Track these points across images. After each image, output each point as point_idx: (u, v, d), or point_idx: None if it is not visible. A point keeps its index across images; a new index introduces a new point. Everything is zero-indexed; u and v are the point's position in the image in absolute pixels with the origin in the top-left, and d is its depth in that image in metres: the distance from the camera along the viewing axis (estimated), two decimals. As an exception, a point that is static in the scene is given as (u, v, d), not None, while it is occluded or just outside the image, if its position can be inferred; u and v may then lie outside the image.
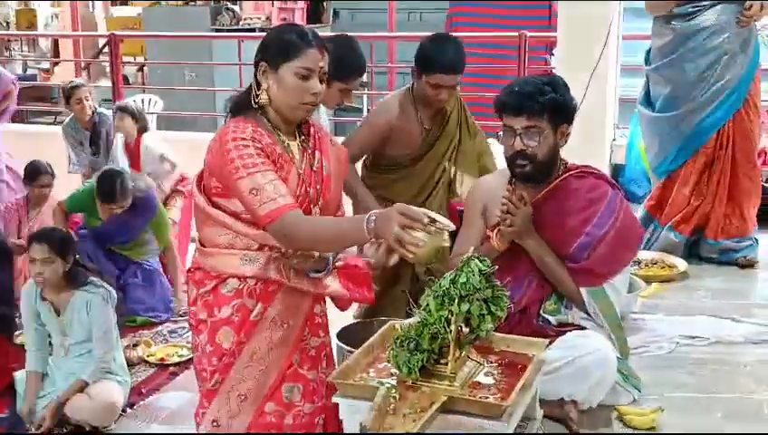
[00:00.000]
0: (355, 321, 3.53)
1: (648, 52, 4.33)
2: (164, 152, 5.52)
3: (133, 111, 5.52)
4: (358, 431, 2.12)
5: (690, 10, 4.05)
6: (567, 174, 2.82)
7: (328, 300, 2.58)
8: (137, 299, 4.87)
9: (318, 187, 2.42)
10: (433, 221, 2.04)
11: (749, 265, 4.22)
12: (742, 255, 4.24)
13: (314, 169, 2.43)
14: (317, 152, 2.46)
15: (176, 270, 5.10)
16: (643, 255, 4.08)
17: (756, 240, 4.30)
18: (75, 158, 5.78)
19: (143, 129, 5.56)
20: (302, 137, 2.45)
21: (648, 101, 4.34)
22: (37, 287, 3.71)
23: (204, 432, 2.55)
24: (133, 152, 5.53)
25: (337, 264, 2.45)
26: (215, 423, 2.46)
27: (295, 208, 2.24)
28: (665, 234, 4.27)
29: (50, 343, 3.84)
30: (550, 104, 2.69)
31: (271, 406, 2.44)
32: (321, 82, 2.35)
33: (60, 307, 3.71)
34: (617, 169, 5.49)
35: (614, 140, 5.58)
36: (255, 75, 2.38)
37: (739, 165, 4.15)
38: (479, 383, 2.18)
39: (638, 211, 4.44)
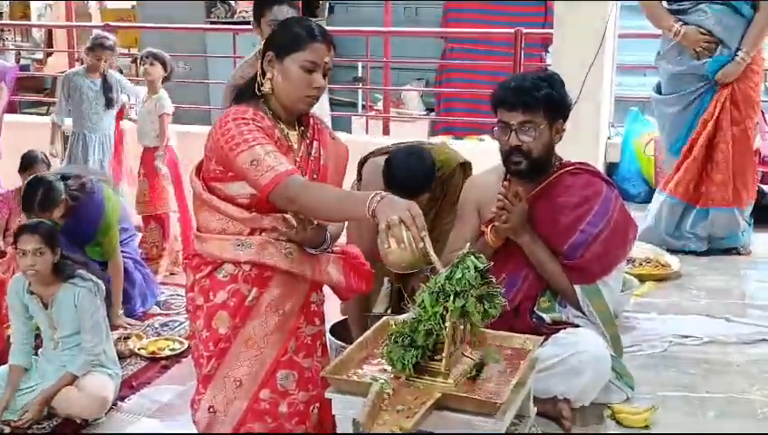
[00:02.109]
0: (347, 317, 3.52)
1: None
2: (169, 114, 5.54)
3: (164, 59, 5.54)
4: (351, 427, 2.12)
5: (676, 8, 4.26)
6: (562, 170, 2.81)
7: (326, 290, 2.59)
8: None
9: (315, 175, 2.47)
10: (423, 244, 2.03)
11: (747, 253, 4.38)
12: (738, 244, 4.36)
13: (312, 157, 2.49)
14: (315, 142, 2.51)
15: (118, 284, 4.63)
16: (636, 253, 4.08)
17: (750, 224, 4.41)
18: (62, 107, 5.75)
19: (167, 79, 5.61)
20: (302, 127, 2.50)
21: (658, 89, 4.49)
22: (24, 281, 3.68)
23: (194, 433, 2.57)
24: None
25: (334, 249, 2.50)
26: (211, 410, 2.48)
27: (296, 173, 2.27)
28: (657, 196, 4.40)
29: (39, 336, 3.82)
30: (545, 100, 2.68)
31: (266, 393, 2.47)
32: (324, 76, 2.39)
33: (47, 300, 3.67)
34: (611, 168, 5.49)
35: (609, 138, 5.58)
36: (261, 64, 2.41)
37: (725, 135, 4.24)
38: (473, 380, 2.17)
39: (660, 196, 4.54)
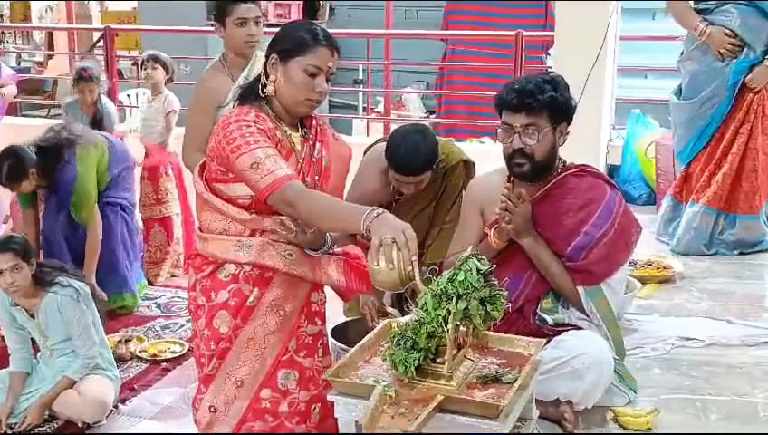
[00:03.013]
0: (350, 318, 3.52)
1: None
2: (177, 111, 5.52)
3: (165, 62, 5.50)
4: (353, 430, 2.11)
5: (702, 7, 4.24)
6: (565, 172, 2.81)
7: (328, 290, 2.59)
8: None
9: (317, 177, 2.48)
10: (412, 268, 2.03)
11: None
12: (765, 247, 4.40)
13: (314, 159, 2.49)
14: (318, 143, 2.52)
15: (91, 251, 4.55)
16: (638, 256, 4.08)
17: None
18: None
19: (170, 80, 5.59)
20: (304, 129, 2.51)
21: (680, 91, 4.50)
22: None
23: (194, 432, 2.57)
24: None
25: (336, 249, 2.50)
26: (212, 409, 2.50)
27: (295, 179, 2.28)
28: (688, 210, 4.37)
29: (34, 341, 3.81)
30: (549, 102, 2.68)
31: (267, 392, 2.48)
32: (327, 81, 2.41)
33: (33, 311, 3.63)
34: (612, 170, 5.49)
35: (610, 140, 5.58)
36: (265, 66, 2.43)
37: (756, 143, 4.24)
38: (475, 383, 2.17)
39: (665, 199, 4.62)
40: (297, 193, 2.24)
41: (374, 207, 2.11)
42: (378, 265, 2.02)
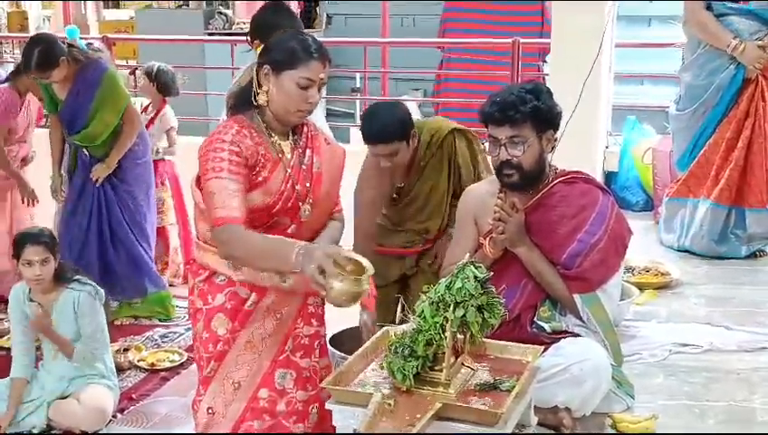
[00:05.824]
0: (348, 327, 3.52)
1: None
2: (175, 127, 5.54)
3: (150, 73, 5.46)
4: (351, 437, 2.12)
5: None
6: (557, 180, 2.81)
7: None
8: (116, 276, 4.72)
9: (307, 184, 2.50)
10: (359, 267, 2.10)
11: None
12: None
13: (304, 166, 2.51)
14: (308, 150, 2.54)
15: (126, 137, 4.59)
16: (636, 262, 4.08)
17: None
18: None
19: (168, 93, 5.52)
20: (295, 136, 2.53)
21: (678, 101, 4.51)
22: (26, 289, 3.68)
23: (192, 433, 2.61)
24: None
25: None
26: (210, 411, 2.54)
27: (237, 223, 2.30)
28: (700, 208, 4.34)
29: (38, 348, 3.81)
30: (532, 112, 2.68)
31: (264, 392, 2.52)
32: (318, 91, 2.43)
33: (48, 308, 3.67)
34: (609, 177, 5.50)
35: (607, 147, 5.59)
36: (257, 75, 2.44)
37: (761, 135, 4.22)
38: (473, 390, 2.17)
39: (662, 204, 4.61)
40: (234, 236, 2.28)
41: (297, 247, 2.19)
42: (324, 293, 2.12)
